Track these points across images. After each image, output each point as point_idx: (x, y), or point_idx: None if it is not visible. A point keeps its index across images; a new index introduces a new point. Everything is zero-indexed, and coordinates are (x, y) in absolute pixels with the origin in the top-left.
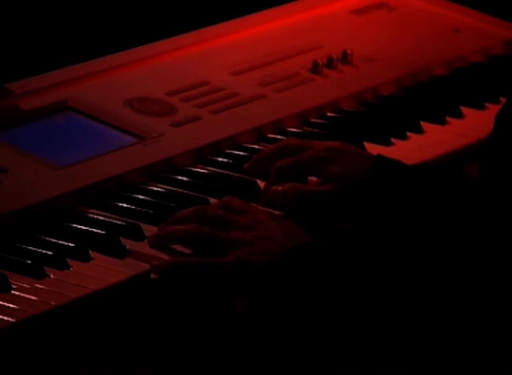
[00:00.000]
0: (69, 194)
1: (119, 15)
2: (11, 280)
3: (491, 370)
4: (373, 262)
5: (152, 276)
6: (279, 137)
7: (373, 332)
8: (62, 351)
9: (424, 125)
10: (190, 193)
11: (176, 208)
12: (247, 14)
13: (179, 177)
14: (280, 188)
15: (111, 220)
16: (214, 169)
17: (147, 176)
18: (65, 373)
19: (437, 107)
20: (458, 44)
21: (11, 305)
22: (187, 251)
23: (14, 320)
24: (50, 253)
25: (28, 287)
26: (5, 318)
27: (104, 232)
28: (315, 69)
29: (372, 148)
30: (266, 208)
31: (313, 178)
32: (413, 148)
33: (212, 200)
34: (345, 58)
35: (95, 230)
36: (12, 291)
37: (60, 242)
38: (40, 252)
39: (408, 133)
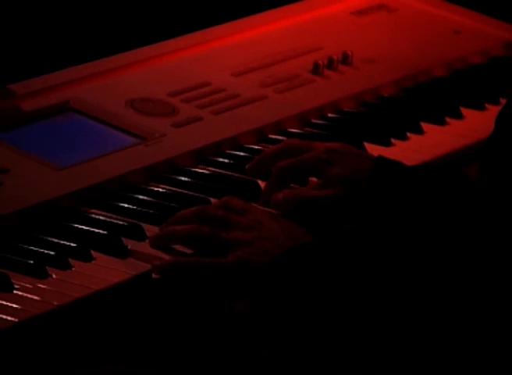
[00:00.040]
0: (71, 195)
1: (120, 16)
2: (13, 280)
3: (491, 370)
4: (373, 262)
5: (153, 276)
6: (279, 137)
7: (373, 332)
8: (63, 351)
9: (424, 126)
10: (191, 193)
11: (178, 209)
12: (248, 15)
13: (181, 178)
14: (280, 196)
15: (112, 220)
16: (215, 169)
17: (148, 177)
18: (65, 373)
19: (437, 108)
20: (458, 45)
21: (13, 305)
22: (188, 251)
23: (16, 320)
24: (52, 253)
25: (30, 287)
26: (8, 318)
27: (105, 232)
28: (316, 70)
29: (372, 149)
30: (266, 208)
31: (313, 179)
32: (413, 149)
33: (213, 200)
34: (345, 59)
35: (97, 230)
36: (15, 291)
37: (62, 242)
38: (43, 252)
39: (408, 134)
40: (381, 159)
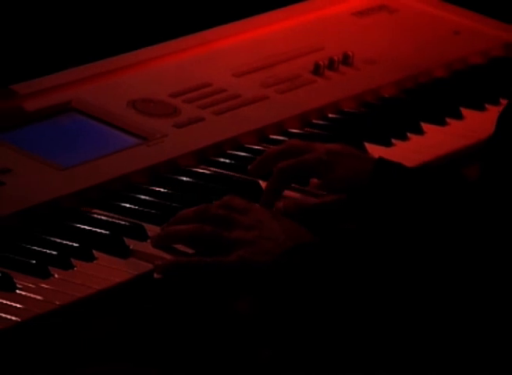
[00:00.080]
0: (73, 195)
1: (122, 17)
2: (16, 280)
3: (491, 370)
4: (373, 262)
5: (155, 275)
6: (280, 138)
7: (373, 332)
8: (65, 351)
9: (425, 126)
10: (193, 193)
11: (179, 209)
12: (249, 16)
13: (182, 178)
14: (281, 204)
15: (114, 220)
16: (216, 169)
17: (150, 177)
18: (67, 373)
19: (437, 108)
20: (458, 46)
21: (16, 305)
22: (190, 250)
23: (19, 320)
24: (54, 253)
25: (33, 286)
26: (10, 317)
27: (107, 232)
28: (317, 70)
29: (373, 149)
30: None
31: (314, 179)
32: (413, 149)
33: (215, 200)
34: (346, 59)
35: (99, 230)
36: (17, 291)
37: (64, 242)
38: (45, 252)
39: (408, 134)
40: (381, 161)
